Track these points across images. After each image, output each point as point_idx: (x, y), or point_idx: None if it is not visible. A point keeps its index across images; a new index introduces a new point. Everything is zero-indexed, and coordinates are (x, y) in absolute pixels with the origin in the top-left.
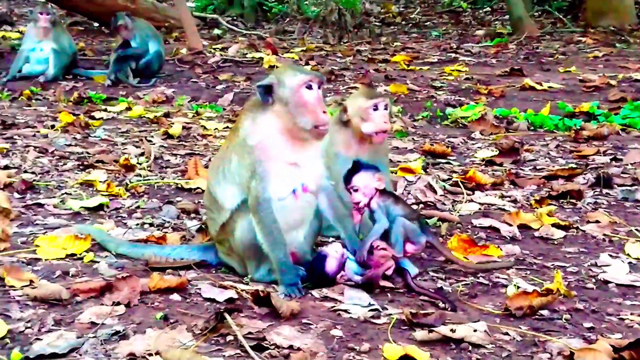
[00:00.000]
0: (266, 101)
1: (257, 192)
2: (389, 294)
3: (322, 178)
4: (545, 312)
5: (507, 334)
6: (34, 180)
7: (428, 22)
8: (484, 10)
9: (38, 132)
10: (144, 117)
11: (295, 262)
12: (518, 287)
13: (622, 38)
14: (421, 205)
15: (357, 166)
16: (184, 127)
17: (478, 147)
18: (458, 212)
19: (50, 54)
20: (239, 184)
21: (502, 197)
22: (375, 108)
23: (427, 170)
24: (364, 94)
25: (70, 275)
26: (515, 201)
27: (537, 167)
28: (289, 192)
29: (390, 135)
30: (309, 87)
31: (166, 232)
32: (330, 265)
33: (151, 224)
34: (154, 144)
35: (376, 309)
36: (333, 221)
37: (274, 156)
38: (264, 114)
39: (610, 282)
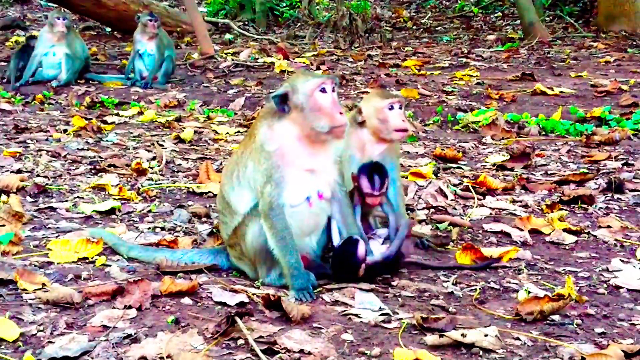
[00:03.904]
0: (282, 110)
1: (271, 198)
2: (399, 299)
3: (336, 184)
4: (556, 317)
5: (518, 339)
6: (47, 184)
7: (439, 27)
8: (495, 15)
9: (51, 136)
10: (156, 121)
11: (306, 267)
12: (529, 292)
13: (634, 43)
14: (432, 210)
15: (383, 169)
16: (195, 132)
17: (489, 152)
18: (469, 216)
19: (62, 59)
20: (253, 189)
21: (513, 202)
22: (391, 107)
23: (438, 174)
24: (378, 95)
25: (82, 278)
26: (526, 206)
27: (549, 172)
28: (302, 199)
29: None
30: (323, 90)
31: (177, 236)
32: (361, 250)
33: (163, 228)
34: (165, 148)
35: (387, 314)
36: (340, 227)
37: (292, 162)
38: (281, 121)
39: (622, 288)
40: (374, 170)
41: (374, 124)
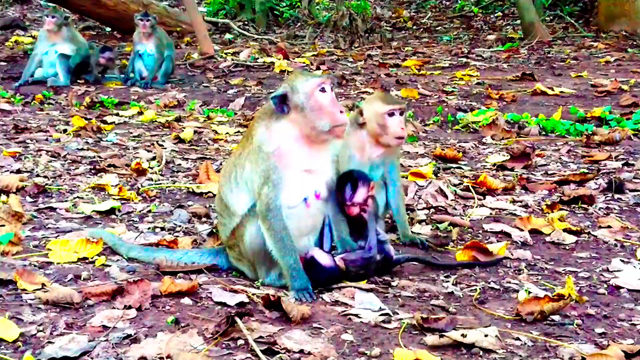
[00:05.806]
0: (281, 111)
1: (269, 199)
2: (399, 299)
3: (333, 184)
4: (556, 318)
5: (518, 339)
6: (46, 184)
7: (439, 27)
8: (495, 15)
9: (50, 136)
10: (156, 121)
11: None
12: (529, 292)
13: (634, 43)
14: (432, 210)
15: (355, 181)
16: (195, 132)
17: (489, 152)
18: (469, 216)
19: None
20: (250, 190)
21: (513, 202)
22: (391, 114)
23: (438, 174)
24: (380, 99)
25: (82, 278)
26: (526, 206)
27: (549, 172)
28: (300, 200)
29: None
30: (323, 90)
31: (177, 236)
32: (323, 258)
33: (162, 228)
34: (165, 148)
35: (387, 314)
36: (331, 223)
37: (290, 163)
38: (279, 122)
39: (622, 288)
40: (350, 181)
41: (373, 128)
